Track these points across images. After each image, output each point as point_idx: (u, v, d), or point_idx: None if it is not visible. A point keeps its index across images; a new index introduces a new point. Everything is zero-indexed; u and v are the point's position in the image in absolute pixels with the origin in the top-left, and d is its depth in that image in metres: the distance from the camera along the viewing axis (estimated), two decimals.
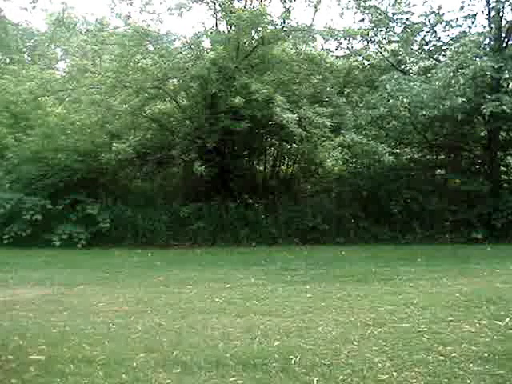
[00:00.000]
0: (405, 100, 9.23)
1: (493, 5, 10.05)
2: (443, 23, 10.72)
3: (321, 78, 11.29)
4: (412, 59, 11.45)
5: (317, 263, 7.08)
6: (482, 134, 11.62)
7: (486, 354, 2.63)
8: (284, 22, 10.70)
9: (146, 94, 10.83)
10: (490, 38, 10.12)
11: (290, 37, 10.88)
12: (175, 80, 11.17)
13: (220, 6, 10.78)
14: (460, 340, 2.88)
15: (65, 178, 10.64)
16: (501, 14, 10.12)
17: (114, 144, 10.03)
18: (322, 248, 9.62)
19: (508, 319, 3.27)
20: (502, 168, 11.68)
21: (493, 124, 10.29)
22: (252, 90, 9.61)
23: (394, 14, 10.97)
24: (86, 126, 11.32)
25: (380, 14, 10.90)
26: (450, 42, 10.60)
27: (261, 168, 13.00)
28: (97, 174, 11.10)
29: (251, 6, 10.75)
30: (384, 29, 11.16)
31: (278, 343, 2.94)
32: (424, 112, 9.24)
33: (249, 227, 10.60)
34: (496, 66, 8.97)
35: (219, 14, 11.04)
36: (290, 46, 11.17)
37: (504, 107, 8.72)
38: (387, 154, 9.93)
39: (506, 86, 9.82)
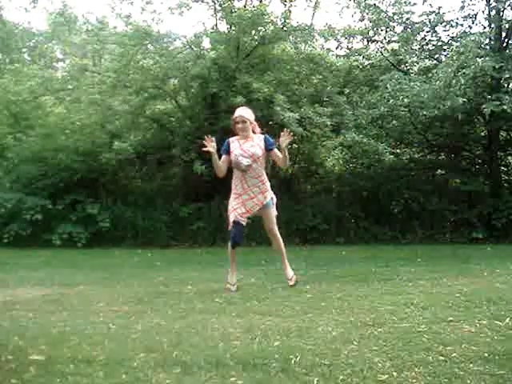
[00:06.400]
0: (405, 100, 9.23)
1: (493, 5, 10.06)
2: (443, 23, 10.73)
3: (321, 77, 11.29)
4: (412, 59, 11.46)
5: (317, 263, 7.07)
6: (483, 133, 11.62)
7: (486, 354, 2.62)
8: (284, 22, 10.70)
9: (146, 94, 10.84)
10: (490, 38, 10.13)
11: (291, 37, 10.89)
12: (175, 80, 11.18)
13: (220, 5, 10.79)
14: (460, 340, 2.87)
15: (65, 178, 10.64)
16: (501, 14, 10.13)
17: (115, 143, 10.04)
18: (322, 248, 9.61)
19: (508, 319, 3.26)
20: (502, 168, 11.69)
21: (493, 124, 10.29)
22: (253, 88, 9.62)
23: (394, 14, 10.97)
24: (86, 125, 11.32)
25: (380, 14, 10.91)
26: (451, 41, 10.61)
27: None
28: (97, 174, 11.10)
29: (251, 6, 10.76)
30: (384, 28, 11.17)
31: (278, 343, 2.93)
32: (424, 112, 9.24)
33: (249, 227, 10.58)
34: (497, 66, 8.97)
35: (219, 14, 11.05)
36: (290, 45, 11.17)
37: (504, 107, 8.73)
38: (387, 154, 9.95)
39: (506, 85, 9.83)
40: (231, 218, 4.84)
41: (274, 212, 4.93)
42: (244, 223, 4.86)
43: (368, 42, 11.58)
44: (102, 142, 10.98)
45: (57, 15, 13.94)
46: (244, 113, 4.79)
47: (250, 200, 4.79)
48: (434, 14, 10.63)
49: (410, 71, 11.56)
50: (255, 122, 4.84)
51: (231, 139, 4.83)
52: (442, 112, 9.05)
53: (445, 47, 10.81)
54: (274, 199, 4.93)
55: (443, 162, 12.21)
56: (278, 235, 4.96)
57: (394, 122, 11.24)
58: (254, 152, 4.66)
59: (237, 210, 4.81)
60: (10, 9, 31.96)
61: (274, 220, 4.93)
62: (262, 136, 4.83)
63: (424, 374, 2.41)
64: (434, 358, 2.60)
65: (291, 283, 4.91)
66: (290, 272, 4.98)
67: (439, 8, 10.68)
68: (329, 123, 10.02)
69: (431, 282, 4.93)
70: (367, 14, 11.01)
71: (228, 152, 4.76)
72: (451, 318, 3.35)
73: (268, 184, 4.87)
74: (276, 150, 4.80)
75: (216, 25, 11.29)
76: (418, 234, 10.55)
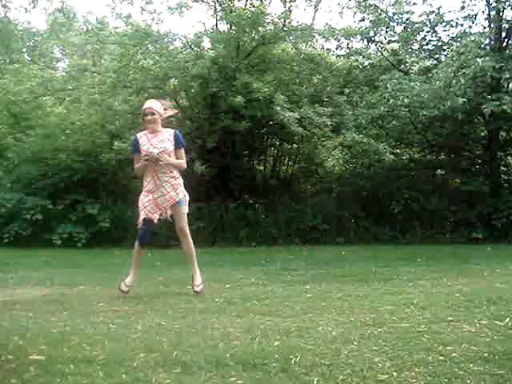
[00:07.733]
0: (405, 100, 9.23)
1: (493, 5, 10.06)
2: (443, 23, 10.73)
3: (321, 77, 11.30)
4: (412, 59, 11.46)
5: (317, 263, 7.08)
6: (483, 134, 11.63)
7: (486, 354, 2.62)
8: (284, 22, 10.71)
9: (146, 94, 10.83)
10: (490, 38, 10.13)
11: (291, 37, 10.89)
12: (175, 80, 11.18)
13: (220, 5, 10.80)
14: (460, 340, 2.87)
15: (65, 178, 10.63)
16: (501, 14, 10.13)
17: (115, 143, 10.04)
18: (322, 248, 9.60)
19: (508, 319, 3.26)
20: (502, 168, 11.69)
21: (493, 124, 10.30)
22: (253, 88, 9.62)
23: (394, 14, 10.98)
24: (86, 125, 11.31)
25: (380, 14, 10.91)
26: (451, 41, 10.61)
27: (261, 168, 13.00)
28: (97, 174, 11.09)
29: (251, 6, 10.76)
30: (384, 28, 11.17)
31: (278, 343, 2.93)
32: (424, 112, 9.25)
33: (249, 227, 10.59)
34: (497, 66, 8.97)
35: (219, 14, 11.05)
36: (290, 45, 11.17)
37: (504, 107, 8.73)
38: (387, 153, 9.96)
39: (506, 85, 9.83)
40: (142, 216, 4.66)
41: (185, 210, 4.71)
42: (155, 220, 4.67)
43: (368, 42, 11.58)
44: (102, 142, 10.97)
45: (56, 11, 13.95)
46: (153, 105, 4.63)
47: (161, 197, 4.57)
48: (433, 14, 10.64)
49: (410, 71, 11.55)
50: (165, 115, 4.65)
51: (139, 135, 4.66)
52: (442, 112, 9.05)
53: (445, 47, 10.81)
54: (187, 197, 4.71)
55: (443, 162, 12.21)
56: (189, 236, 4.74)
57: (394, 122, 11.24)
58: (164, 147, 4.48)
59: (147, 207, 4.60)
60: (9, 8, 31.92)
61: (185, 219, 4.68)
62: (172, 131, 4.63)
63: (424, 374, 2.41)
64: (434, 358, 2.60)
65: (196, 289, 4.61)
66: (198, 279, 4.70)
67: (439, 8, 10.70)
68: (329, 123, 10.02)
69: (431, 282, 4.93)
70: (367, 14, 11.02)
71: (138, 150, 4.56)
72: (451, 318, 3.35)
73: (181, 180, 4.64)
74: (182, 151, 4.62)
75: (216, 25, 11.30)
76: (418, 234, 10.55)
